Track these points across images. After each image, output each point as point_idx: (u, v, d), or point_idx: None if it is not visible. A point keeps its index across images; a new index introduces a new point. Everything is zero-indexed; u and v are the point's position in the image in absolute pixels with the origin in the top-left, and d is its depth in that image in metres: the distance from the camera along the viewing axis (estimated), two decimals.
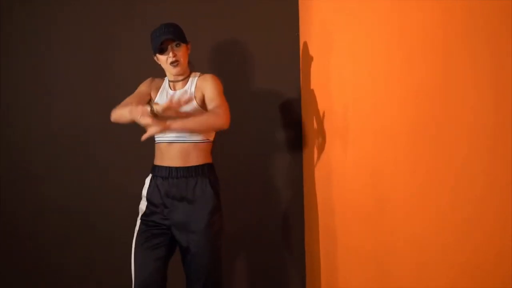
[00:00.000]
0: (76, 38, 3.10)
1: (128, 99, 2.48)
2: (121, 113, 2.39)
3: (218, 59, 3.11)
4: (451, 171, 1.08)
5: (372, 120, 1.64)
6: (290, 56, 3.09)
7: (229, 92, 2.69)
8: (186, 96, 2.41)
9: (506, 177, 0.89)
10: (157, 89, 2.59)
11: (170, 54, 2.46)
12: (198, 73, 2.58)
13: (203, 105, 2.48)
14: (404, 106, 1.37)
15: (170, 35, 2.44)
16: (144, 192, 2.55)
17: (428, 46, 1.19)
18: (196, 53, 2.72)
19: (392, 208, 1.47)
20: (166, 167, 2.50)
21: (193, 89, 2.53)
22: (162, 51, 2.47)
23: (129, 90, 2.66)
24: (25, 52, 3.09)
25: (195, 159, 2.50)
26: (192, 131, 2.44)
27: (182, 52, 2.49)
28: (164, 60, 2.49)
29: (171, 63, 2.47)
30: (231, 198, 2.99)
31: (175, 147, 2.49)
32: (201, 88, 2.51)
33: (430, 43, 1.18)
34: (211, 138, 2.58)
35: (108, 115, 2.52)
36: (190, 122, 2.36)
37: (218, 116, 2.38)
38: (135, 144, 2.61)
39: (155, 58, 2.54)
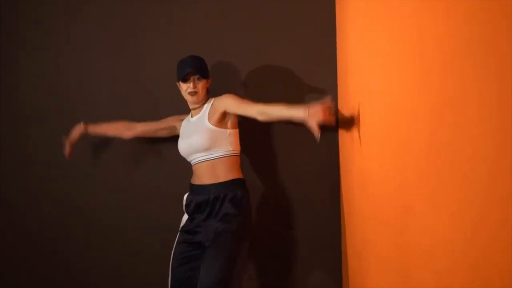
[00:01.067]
0: (93, 38, 3.20)
1: (151, 122, 3.03)
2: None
3: (253, 63, 3.16)
4: (477, 183, 1.08)
5: (398, 129, 1.66)
6: (327, 60, 3.11)
7: (263, 97, 2.76)
8: None
9: None
10: (181, 120, 2.99)
11: (191, 85, 2.79)
12: (212, 99, 2.86)
13: (218, 124, 2.77)
14: (433, 115, 1.36)
15: (194, 70, 2.77)
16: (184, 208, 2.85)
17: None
18: (227, 55, 2.82)
19: (415, 219, 1.49)
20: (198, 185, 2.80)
21: (206, 115, 2.81)
22: (185, 80, 2.80)
23: (139, 91, 2.92)
24: (42, 49, 3.20)
25: (223, 175, 2.77)
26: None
27: (201, 85, 2.82)
28: (184, 88, 2.83)
29: (189, 92, 2.80)
30: (266, 208, 3.07)
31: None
32: (217, 107, 2.78)
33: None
34: (238, 150, 2.82)
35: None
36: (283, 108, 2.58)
37: (266, 109, 2.62)
38: (144, 143, 2.95)
39: (177, 84, 2.87)
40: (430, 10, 1.36)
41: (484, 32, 1.01)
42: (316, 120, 2.35)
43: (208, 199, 2.73)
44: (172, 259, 2.79)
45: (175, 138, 3.02)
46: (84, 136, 3.12)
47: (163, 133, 3.06)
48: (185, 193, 2.89)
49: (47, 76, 3.21)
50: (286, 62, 3.15)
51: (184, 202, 2.86)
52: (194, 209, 2.77)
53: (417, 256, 1.50)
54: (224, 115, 2.79)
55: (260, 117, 2.63)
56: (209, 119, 2.78)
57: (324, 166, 3.13)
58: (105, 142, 3.18)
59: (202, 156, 2.77)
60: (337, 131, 3.09)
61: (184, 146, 2.85)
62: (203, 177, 2.78)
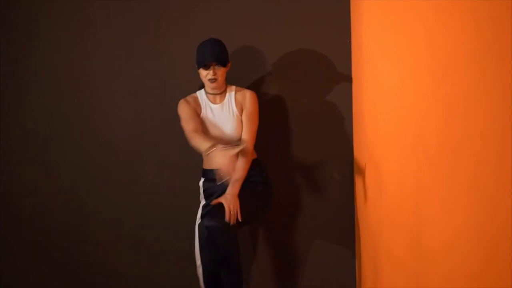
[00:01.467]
0: (106, 37, 3.15)
1: (190, 126, 2.79)
2: (201, 143, 2.70)
3: (267, 64, 3.14)
4: (489, 184, 1.08)
5: (411, 129, 1.65)
6: (341, 63, 3.08)
7: (275, 101, 2.76)
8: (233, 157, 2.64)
9: None
10: (198, 105, 2.89)
11: (211, 72, 2.78)
12: (233, 87, 2.88)
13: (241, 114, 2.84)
14: (446, 116, 1.34)
15: (215, 59, 2.76)
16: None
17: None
18: (243, 55, 2.82)
19: (429, 222, 1.49)
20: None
21: (233, 104, 2.85)
22: (205, 67, 2.78)
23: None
24: (55, 48, 3.15)
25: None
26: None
27: (221, 71, 2.81)
28: (204, 74, 2.81)
29: (209, 79, 2.79)
30: (283, 208, 3.08)
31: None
32: (241, 103, 2.86)
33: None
34: None
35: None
36: (240, 177, 2.75)
37: (248, 154, 2.79)
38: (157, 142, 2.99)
39: (198, 69, 2.83)
40: (445, 10, 1.34)
41: (498, 32, 1.00)
42: (225, 202, 2.64)
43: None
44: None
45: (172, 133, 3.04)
46: (89, 136, 3.14)
47: None
48: (198, 181, 2.93)
49: (52, 75, 3.17)
50: (303, 57, 3.11)
51: (203, 188, 2.90)
52: (219, 194, 2.77)
53: (431, 261, 1.49)
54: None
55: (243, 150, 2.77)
56: (238, 110, 2.85)
57: (338, 165, 3.11)
58: (107, 142, 3.17)
59: (229, 145, 2.76)
60: (351, 131, 3.07)
61: (219, 135, 2.84)
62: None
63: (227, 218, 2.59)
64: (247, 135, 2.83)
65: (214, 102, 2.89)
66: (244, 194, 2.71)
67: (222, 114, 2.85)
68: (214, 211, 2.66)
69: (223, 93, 2.88)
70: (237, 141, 2.81)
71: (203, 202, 2.89)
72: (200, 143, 2.66)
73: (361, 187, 2.78)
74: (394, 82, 1.95)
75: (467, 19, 1.19)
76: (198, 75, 2.85)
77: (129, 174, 3.17)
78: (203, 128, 2.82)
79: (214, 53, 2.78)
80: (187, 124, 2.80)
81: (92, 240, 3.18)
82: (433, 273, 1.46)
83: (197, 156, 2.92)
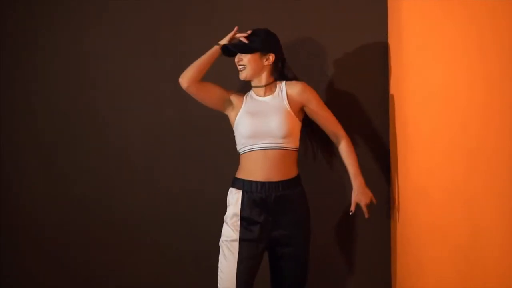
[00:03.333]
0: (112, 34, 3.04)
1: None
2: (197, 62, 2.56)
3: (300, 61, 2.95)
4: None
5: (465, 138, 1.45)
6: (378, 59, 2.88)
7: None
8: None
9: None
10: (239, 98, 2.62)
11: (236, 58, 2.57)
12: (283, 82, 2.60)
13: (296, 113, 2.55)
14: (505, 124, 1.18)
15: (235, 48, 2.54)
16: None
17: None
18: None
19: (486, 242, 1.28)
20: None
21: (284, 95, 2.56)
22: (232, 55, 2.58)
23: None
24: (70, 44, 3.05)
25: (293, 170, 2.56)
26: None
27: (248, 59, 2.54)
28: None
29: (239, 69, 2.58)
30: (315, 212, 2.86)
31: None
32: (296, 97, 2.56)
33: None
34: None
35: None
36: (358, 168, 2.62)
37: (351, 143, 2.63)
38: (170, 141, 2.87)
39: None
40: (496, 8, 1.20)
41: None
42: (359, 200, 2.56)
43: (272, 197, 2.47)
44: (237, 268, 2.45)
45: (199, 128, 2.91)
46: (95, 136, 3.03)
47: (212, 101, 2.63)
48: (227, 191, 2.58)
49: (57, 74, 3.07)
50: (339, 57, 2.91)
51: (241, 214, 2.47)
52: (255, 211, 2.46)
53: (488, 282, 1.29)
54: (302, 107, 2.58)
55: (337, 144, 2.64)
56: (290, 104, 2.54)
57: (373, 171, 2.88)
58: (118, 144, 3.04)
59: (276, 143, 2.49)
60: (387, 134, 2.86)
61: (258, 125, 2.50)
62: (269, 170, 2.48)
63: (366, 215, 2.56)
64: (335, 127, 2.61)
65: (258, 95, 2.60)
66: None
67: (268, 106, 2.55)
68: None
69: (269, 85, 2.59)
70: (282, 138, 2.49)
71: (233, 229, 2.48)
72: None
73: (397, 193, 2.57)
74: (439, 82, 1.75)
75: None
76: (217, 75, 2.66)
77: (140, 177, 3.03)
78: (240, 125, 2.54)
79: (236, 44, 2.56)
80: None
81: (100, 244, 3.06)
82: None
83: (217, 160, 2.82)
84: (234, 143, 2.63)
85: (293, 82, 2.60)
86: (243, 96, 2.63)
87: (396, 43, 2.65)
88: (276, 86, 2.59)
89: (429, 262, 1.89)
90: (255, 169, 2.49)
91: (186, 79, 2.55)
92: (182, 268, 3.01)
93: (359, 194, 2.55)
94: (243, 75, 2.57)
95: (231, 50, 2.55)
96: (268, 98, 2.57)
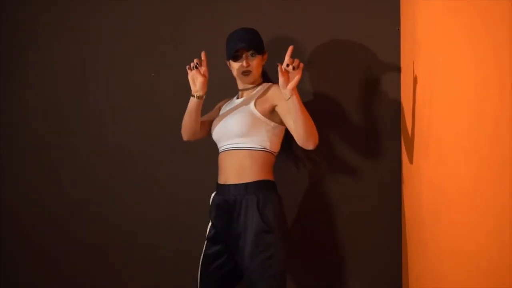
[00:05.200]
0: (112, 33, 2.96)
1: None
2: (186, 116, 2.45)
3: (311, 56, 2.80)
4: None
5: (496, 141, 1.29)
6: (390, 53, 2.74)
7: (319, 94, 2.40)
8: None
9: None
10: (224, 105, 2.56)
11: (244, 63, 2.36)
12: (271, 83, 2.46)
13: (265, 113, 2.33)
14: None
15: (246, 44, 2.34)
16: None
17: None
18: (280, 48, 2.43)
19: None
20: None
21: (255, 96, 2.37)
22: (236, 58, 2.37)
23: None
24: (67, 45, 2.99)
25: (252, 173, 2.33)
26: (300, 112, 2.13)
27: (256, 62, 2.38)
28: (236, 67, 2.39)
29: (243, 72, 2.37)
30: (311, 223, 2.78)
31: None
32: (271, 97, 2.33)
33: None
34: (275, 150, 2.38)
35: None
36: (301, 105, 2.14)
37: (315, 130, 2.19)
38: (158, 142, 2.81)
39: (227, 63, 2.45)
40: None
41: None
42: (287, 88, 2.07)
43: (228, 201, 2.32)
44: (200, 271, 2.45)
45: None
46: (95, 137, 2.95)
47: (202, 133, 2.56)
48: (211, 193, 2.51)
49: (57, 74, 3.00)
50: (346, 49, 2.77)
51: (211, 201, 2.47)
52: (215, 213, 2.39)
53: None
54: (273, 109, 2.35)
55: (297, 136, 2.22)
56: (256, 103, 2.35)
57: (383, 166, 2.74)
58: (115, 146, 2.95)
59: (233, 144, 2.34)
60: (399, 127, 2.70)
61: (218, 127, 2.42)
62: (227, 173, 2.35)
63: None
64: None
65: (239, 98, 2.46)
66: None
67: (235, 107, 2.40)
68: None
69: (255, 87, 2.44)
70: (240, 137, 2.33)
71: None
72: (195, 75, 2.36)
73: (413, 209, 2.41)
74: (456, 78, 1.60)
75: None
76: (218, 78, 2.53)
77: (139, 180, 2.95)
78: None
79: (246, 39, 2.35)
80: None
81: (96, 248, 2.98)
82: None
83: (211, 162, 2.69)
84: None
85: (274, 84, 2.39)
86: (228, 101, 2.57)
87: (409, 34, 2.49)
88: (258, 87, 2.45)
89: (454, 280, 1.73)
90: (220, 171, 2.42)
91: (185, 137, 2.56)
92: (177, 272, 2.92)
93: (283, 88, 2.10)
94: (249, 80, 2.41)
95: (238, 52, 2.36)
96: (241, 99, 2.45)
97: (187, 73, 2.39)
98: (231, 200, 2.31)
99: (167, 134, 2.88)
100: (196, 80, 2.32)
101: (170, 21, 2.91)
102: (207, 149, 2.69)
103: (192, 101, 2.38)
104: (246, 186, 2.29)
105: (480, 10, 1.35)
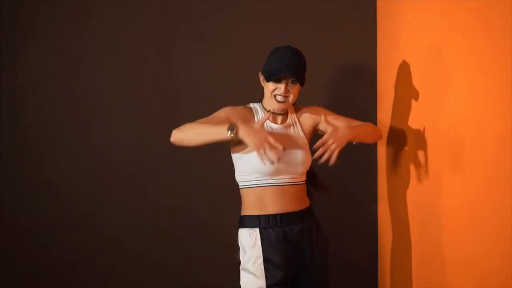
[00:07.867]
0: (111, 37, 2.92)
1: (202, 120, 2.16)
2: (200, 132, 2.08)
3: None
4: None
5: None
6: (367, 73, 2.88)
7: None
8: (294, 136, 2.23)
9: None
10: (245, 119, 2.16)
11: (283, 90, 2.14)
12: (297, 106, 2.31)
13: (309, 141, 2.25)
14: None
15: (292, 73, 2.11)
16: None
17: None
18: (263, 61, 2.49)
19: None
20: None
21: (298, 123, 2.26)
22: (277, 80, 2.14)
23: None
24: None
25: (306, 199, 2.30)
26: (363, 137, 2.24)
27: (295, 90, 2.17)
28: (271, 89, 2.16)
29: (278, 98, 2.16)
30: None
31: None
32: (306, 120, 2.27)
33: None
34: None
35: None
36: (358, 129, 2.22)
37: (375, 126, 2.34)
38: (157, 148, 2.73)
39: (260, 77, 2.22)
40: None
41: None
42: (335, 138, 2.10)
43: (303, 228, 2.20)
44: None
45: None
46: (95, 140, 2.90)
47: None
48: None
49: (51, 76, 2.93)
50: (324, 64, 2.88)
51: (263, 255, 2.13)
52: (284, 246, 2.15)
53: None
54: (314, 129, 2.30)
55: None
56: (306, 136, 2.26)
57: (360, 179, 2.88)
58: (108, 149, 2.92)
59: (294, 179, 2.20)
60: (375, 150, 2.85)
61: (282, 164, 2.15)
62: (289, 202, 2.19)
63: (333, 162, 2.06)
64: (346, 121, 2.25)
65: (275, 122, 2.24)
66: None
67: (288, 138, 2.20)
68: None
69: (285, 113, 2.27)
70: (301, 174, 2.21)
71: (252, 274, 2.14)
72: (211, 127, 2.06)
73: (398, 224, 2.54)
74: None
75: None
76: (212, 80, 2.53)
77: (132, 185, 2.94)
78: (254, 158, 2.09)
79: (293, 66, 2.12)
80: (205, 120, 2.15)
81: (87, 251, 2.95)
82: None
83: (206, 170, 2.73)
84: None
85: (303, 106, 2.31)
86: (252, 113, 2.25)
87: (385, 55, 2.64)
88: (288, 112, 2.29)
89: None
90: (270, 203, 2.18)
91: (176, 141, 2.17)
92: (168, 274, 2.93)
93: (339, 131, 2.12)
94: (283, 108, 2.19)
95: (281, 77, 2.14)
96: (280, 126, 2.24)
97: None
98: (297, 228, 2.19)
99: (166, 137, 2.88)
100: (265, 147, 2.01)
101: (163, 22, 2.90)
102: (197, 154, 2.71)
103: (223, 133, 2.04)
104: (306, 211, 2.24)
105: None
